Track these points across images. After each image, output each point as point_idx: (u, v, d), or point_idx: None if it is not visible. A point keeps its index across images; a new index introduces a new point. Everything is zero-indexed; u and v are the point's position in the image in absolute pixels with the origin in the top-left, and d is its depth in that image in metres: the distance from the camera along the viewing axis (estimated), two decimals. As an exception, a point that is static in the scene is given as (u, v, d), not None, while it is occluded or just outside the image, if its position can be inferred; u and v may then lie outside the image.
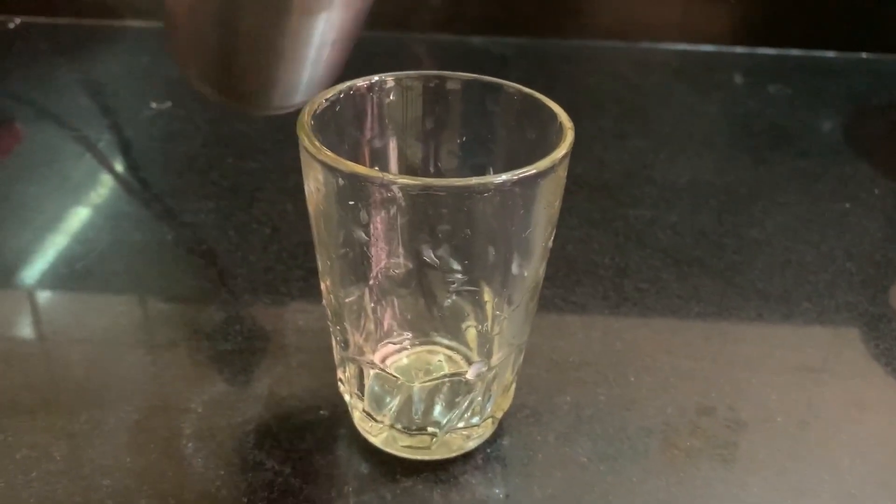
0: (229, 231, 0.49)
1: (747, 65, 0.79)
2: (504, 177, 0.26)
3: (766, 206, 0.55)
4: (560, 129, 0.30)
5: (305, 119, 0.29)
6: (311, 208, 0.30)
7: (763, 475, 0.35)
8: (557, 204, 0.30)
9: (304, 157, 0.29)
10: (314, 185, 0.29)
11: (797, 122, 0.67)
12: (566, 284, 0.46)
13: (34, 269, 0.46)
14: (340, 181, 0.27)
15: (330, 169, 0.27)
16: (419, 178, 0.26)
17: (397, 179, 0.26)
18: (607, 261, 0.48)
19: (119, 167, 0.57)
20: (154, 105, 0.64)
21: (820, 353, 0.42)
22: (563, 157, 0.28)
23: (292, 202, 0.52)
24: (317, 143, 0.28)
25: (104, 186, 0.55)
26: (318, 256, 0.32)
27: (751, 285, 0.47)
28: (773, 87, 0.73)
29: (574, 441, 0.36)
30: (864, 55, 0.80)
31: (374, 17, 0.78)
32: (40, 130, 0.61)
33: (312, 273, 0.45)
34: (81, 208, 0.52)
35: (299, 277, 0.45)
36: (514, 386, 0.35)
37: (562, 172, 0.29)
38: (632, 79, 0.75)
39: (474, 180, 0.26)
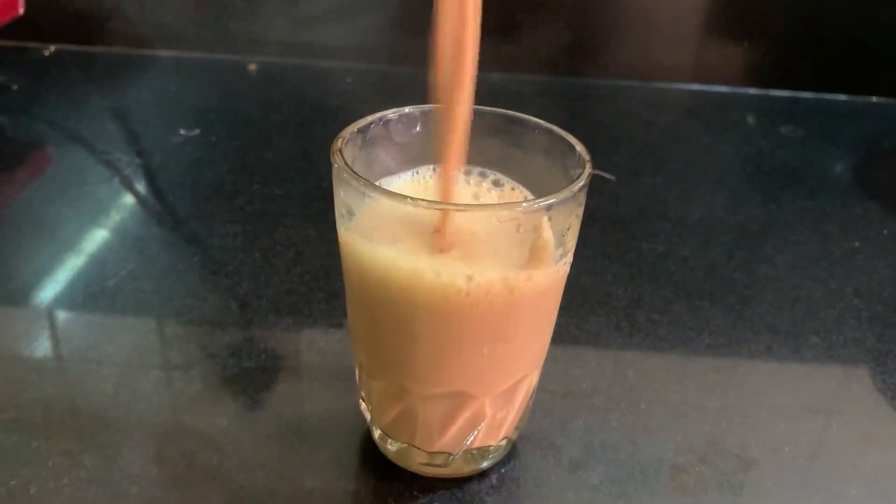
0: (255, 254, 0.51)
1: (760, 106, 0.80)
2: (525, 204, 0.28)
3: (776, 243, 0.56)
4: (579, 161, 0.31)
5: (339, 146, 0.31)
6: (340, 232, 0.32)
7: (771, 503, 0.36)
8: (575, 232, 0.32)
9: (336, 181, 0.30)
10: (344, 208, 0.30)
11: (808, 162, 0.69)
12: (580, 314, 0.47)
13: (66, 287, 0.47)
14: (370, 204, 0.29)
15: (361, 193, 0.29)
16: (445, 203, 0.28)
17: (424, 204, 0.28)
18: (621, 292, 0.49)
19: (147, 191, 0.59)
20: (182, 132, 0.66)
21: (828, 386, 0.43)
22: (582, 187, 0.30)
23: (315, 228, 0.54)
24: (349, 168, 0.29)
25: (132, 209, 0.56)
26: (344, 279, 0.33)
27: (760, 319, 0.48)
28: (785, 129, 0.75)
29: (586, 465, 0.37)
30: (874, 99, 0.82)
31: (397, 55, 0.81)
32: (71, 154, 0.64)
33: (334, 296, 0.47)
34: (110, 230, 0.53)
35: (321, 300, 0.46)
36: (528, 409, 0.37)
37: (580, 201, 0.30)
38: (647, 117, 0.77)
39: (498, 206, 0.28)
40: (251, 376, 0.41)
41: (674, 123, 0.77)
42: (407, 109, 0.34)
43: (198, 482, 0.35)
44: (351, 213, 0.30)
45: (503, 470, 0.36)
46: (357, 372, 0.36)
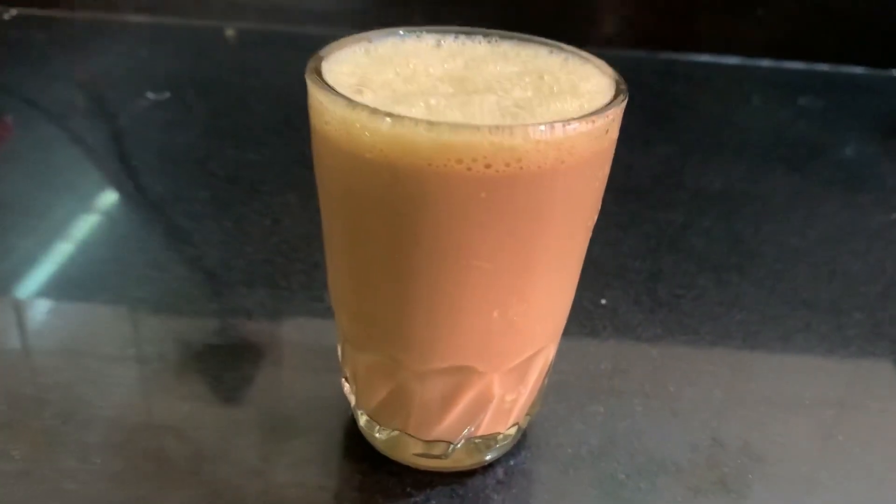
0: (225, 222, 0.45)
1: (774, 78, 0.75)
2: (543, 127, 0.22)
3: (804, 215, 0.51)
4: (612, 84, 0.26)
5: (314, 65, 0.25)
6: (320, 168, 0.26)
7: (825, 498, 0.30)
8: (603, 174, 0.26)
9: (314, 101, 0.25)
10: (332, 130, 0.24)
11: (831, 133, 0.64)
12: (594, 287, 0.41)
13: (15, 256, 0.41)
14: (355, 121, 0.23)
15: (343, 112, 0.23)
16: (445, 122, 0.22)
17: (421, 119, 0.22)
18: (638, 264, 0.44)
19: (109, 155, 0.53)
20: (151, 95, 0.60)
21: (876, 364, 0.38)
22: (616, 111, 0.24)
23: (295, 194, 0.48)
24: (329, 85, 0.24)
25: (92, 174, 0.51)
26: (325, 233, 0.28)
27: (795, 294, 0.42)
28: (803, 100, 0.70)
29: (609, 455, 0.31)
30: (894, 72, 0.77)
31: (380, 20, 0.75)
32: (32, 123, 0.57)
33: (315, 266, 0.41)
34: (69, 197, 0.47)
35: (300, 271, 0.41)
36: (543, 390, 0.31)
37: (612, 134, 0.25)
38: (656, 87, 0.71)
39: (514, 125, 0.22)
40: (218, 355, 0.35)
41: (684, 93, 0.71)
42: (401, 31, 0.28)
43: (155, 476, 0.29)
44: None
45: (512, 462, 0.31)
46: (340, 347, 0.31)
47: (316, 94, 0.24)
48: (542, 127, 0.22)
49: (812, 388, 0.36)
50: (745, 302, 0.41)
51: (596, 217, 0.27)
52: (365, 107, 0.23)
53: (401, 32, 0.29)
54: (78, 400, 0.32)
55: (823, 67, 0.77)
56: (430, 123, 0.22)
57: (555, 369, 0.33)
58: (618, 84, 0.26)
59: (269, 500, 0.29)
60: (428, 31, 0.29)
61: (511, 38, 0.30)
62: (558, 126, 0.23)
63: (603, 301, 0.40)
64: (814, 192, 0.54)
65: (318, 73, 0.25)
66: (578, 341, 0.37)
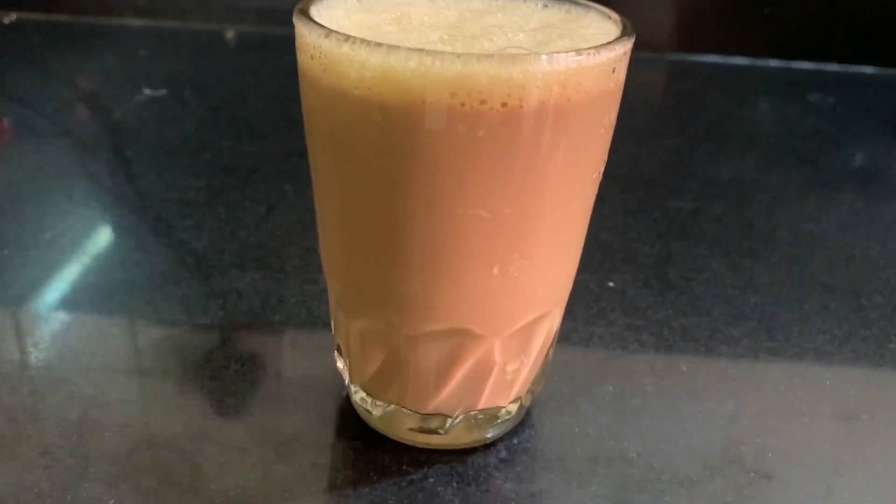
0: (218, 209, 0.43)
1: (783, 77, 0.74)
2: (544, 57, 0.21)
3: (819, 202, 0.49)
4: (617, 28, 0.25)
5: (303, 6, 0.24)
6: (306, 112, 0.25)
7: (842, 473, 0.28)
8: (609, 121, 0.25)
9: (299, 39, 0.23)
10: (317, 66, 0.23)
11: (842, 127, 0.62)
12: (601, 271, 0.40)
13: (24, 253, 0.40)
14: (342, 56, 0.22)
15: (328, 45, 0.22)
16: (436, 51, 0.20)
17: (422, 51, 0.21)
18: (647, 249, 0.42)
19: (106, 151, 0.51)
20: (148, 91, 0.59)
21: (902, 349, 0.36)
22: (623, 47, 0.23)
23: (291, 183, 0.46)
24: (314, 20, 0.23)
25: (89, 173, 0.49)
26: (314, 188, 0.26)
27: (812, 278, 0.41)
28: (812, 96, 0.68)
29: (620, 434, 0.29)
30: (906, 71, 0.76)
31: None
32: (29, 126, 0.56)
33: (310, 251, 0.40)
34: (67, 196, 0.46)
35: (295, 255, 0.39)
36: (547, 364, 0.29)
37: (619, 74, 0.23)
38: (661, 85, 0.70)
39: (513, 55, 0.21)
40: (207, 335, 0.33)
41: (691, 91, 0.70)
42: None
43: (136, 447, 0.27)
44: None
45: (515, 440, 0.29)
46: (332, 317, 0.29)
47: (301, 30, 0.23)
48: (544, 57, 0.21)
49: (832, 370, 0.34)
50: (759, 285, 0.39)
51: (602, 171, 0.26)
52: (351, 38, 0.21)
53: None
54: (60, 380, 0.30)
55: (832, 67, 0.76)
56: (420, 53, 0.21)
57: (560, 349, 0.31)
58: (624, 26, 0.24)
59: (260, 479, 0.27)
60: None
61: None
62: (560, 57, 0.21)
63: (610, 284, 0.39)
64: (827, 182, 0.53)
65: (306, 13, 0.24)
66: (584, 322, 0.35)
